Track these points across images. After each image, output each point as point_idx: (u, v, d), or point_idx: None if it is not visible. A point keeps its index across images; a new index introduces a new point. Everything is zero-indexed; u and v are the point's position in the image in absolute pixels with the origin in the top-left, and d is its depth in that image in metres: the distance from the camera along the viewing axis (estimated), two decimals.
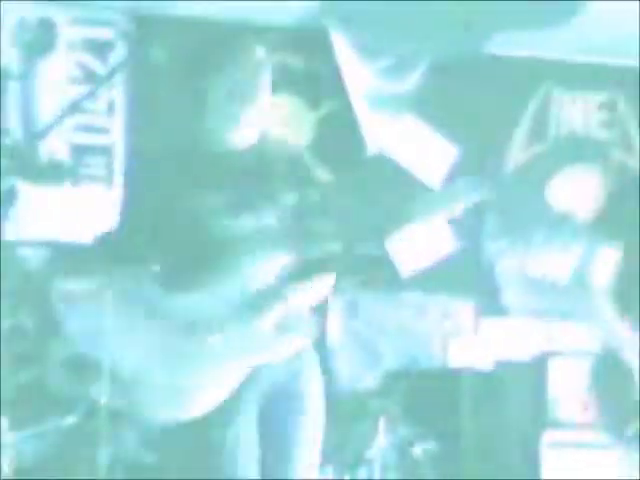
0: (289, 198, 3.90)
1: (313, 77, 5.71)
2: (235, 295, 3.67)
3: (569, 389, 5.54)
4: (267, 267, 3.69)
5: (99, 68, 5.43)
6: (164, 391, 3.64)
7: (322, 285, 3.80)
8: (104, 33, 5.56)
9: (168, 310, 3.69)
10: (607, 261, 4.86)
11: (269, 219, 3.73)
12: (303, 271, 3.72)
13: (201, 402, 3.60)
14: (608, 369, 4.82)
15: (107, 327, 4.09)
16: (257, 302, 3.67)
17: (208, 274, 3.65)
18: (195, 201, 3.72)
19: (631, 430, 4.83)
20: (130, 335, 3.75)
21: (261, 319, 3.64)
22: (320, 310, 4.49)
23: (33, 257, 5.17)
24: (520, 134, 6.18)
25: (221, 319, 3.65)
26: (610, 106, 6.15)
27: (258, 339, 3.66)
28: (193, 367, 3.62)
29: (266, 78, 3.80)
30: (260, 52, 3.89)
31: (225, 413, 3.61)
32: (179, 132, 4.36)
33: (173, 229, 3.72)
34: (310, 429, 3.75)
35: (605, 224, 5.99)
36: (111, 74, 5.42)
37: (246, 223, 3.66)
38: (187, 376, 3.62)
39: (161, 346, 3.70)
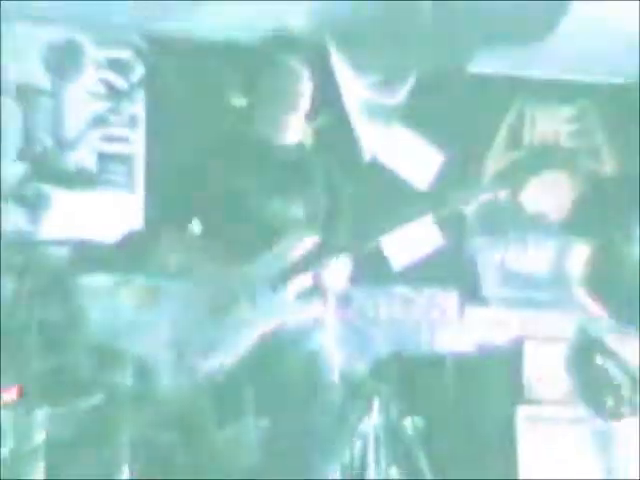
0: (317, 194, 4.17)
1: (312, 90, 6.12)
2: (264, 268, 3.94)
3: (542, 369, 5.55)
4: (293, 247, 3.95)
5: (121, 85, 5.50)
6: (203, 345, 3.87)
7: (341, 267, 4.04)
8: (125, 53, 5.59)
9: (208, 279, 3.94)
10: (579, 256, 4.99)
11: (298, 209, 4.01)
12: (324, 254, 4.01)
13: (231, 355, 3.84)
14: (586, 350, 4.79)
15: (129, 315, 4.35)
16: (283, 274, 3.92)
17: (243, 250, 3.90)
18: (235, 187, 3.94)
19: (609, 405, 4.90)
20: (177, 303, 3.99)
21: (285, 289, 3.90)
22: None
23: (62, 255, 5.19)
24: (498, 143, 6.22)
25: (252, 286, 3.91)
26: (577, 118, 6.27)
27: (281, 304, 3.91)
28: (227, 326, 3.86)
29: (304, 85, 4.05)
30: (296, 63, 4.08)
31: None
32: (204, 137, 4.55)
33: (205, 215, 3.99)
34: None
35: (575, 223, 6.02)
36: (132, 90, 5.45)
37: (277, 210, 3.95)
38: (222, 333, 3.87)
39: (202, 310, 3.92)
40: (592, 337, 4.58)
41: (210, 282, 4.04)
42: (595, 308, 4.63)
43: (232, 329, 3.97)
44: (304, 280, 4.00)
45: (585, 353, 4.61)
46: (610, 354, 4.58)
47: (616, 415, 4.59)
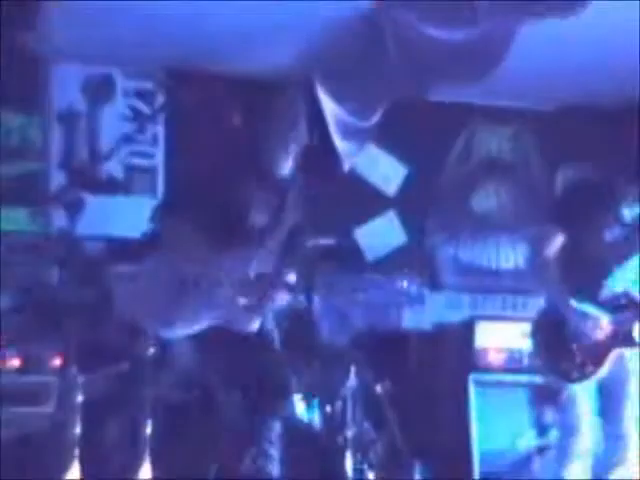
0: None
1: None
2: (228, 269, 3.87)
3: (489, 343, 5.55)
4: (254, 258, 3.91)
5: (145, 110, 5.60)
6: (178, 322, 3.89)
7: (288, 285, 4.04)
8: (149, 84, 5.73)
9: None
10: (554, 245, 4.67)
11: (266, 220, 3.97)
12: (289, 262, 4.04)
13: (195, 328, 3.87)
14: (550, 324, 4.62)
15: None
16: (240, 285, 3.88)
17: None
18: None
19: (564, 368, 4.54)
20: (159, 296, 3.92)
21: (238, 297, 3.87)
22: (308, 288, 4.67)
23: (95, 249, 5.32)
24: (453, 157, 6.37)
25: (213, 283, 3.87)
26: (516, 138, 6.47)
27: (230, 305, 3.87)
28: (194, 315, 3.84)
29: (301, 116, 4.03)
30: (294, 95, 4.10)
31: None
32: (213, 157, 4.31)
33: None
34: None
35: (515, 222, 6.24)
36: (154, 114, 5.63)
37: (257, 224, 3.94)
38: (187, 318, 3.84)
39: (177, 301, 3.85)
40: (557, 313, 4.49)
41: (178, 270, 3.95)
42: (560, 290, 4.56)
43: (194, 308, 3.91)
44: (254, 297, 3.92)
45: (549, 326, 4.55)
46: (569, 327, 4.48)
47: (569, 378, 4.49)
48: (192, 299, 3.86)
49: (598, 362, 4.40)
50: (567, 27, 4.73)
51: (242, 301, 3.91)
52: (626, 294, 4.47)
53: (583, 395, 4.49)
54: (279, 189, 4.02)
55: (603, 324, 4.43)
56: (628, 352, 4.43)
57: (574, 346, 4.42)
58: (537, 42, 5.00)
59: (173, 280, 3.90)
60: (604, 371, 4.40)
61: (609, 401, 4.48)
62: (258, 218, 3.97)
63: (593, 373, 4.41)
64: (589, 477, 4.55)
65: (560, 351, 4.46)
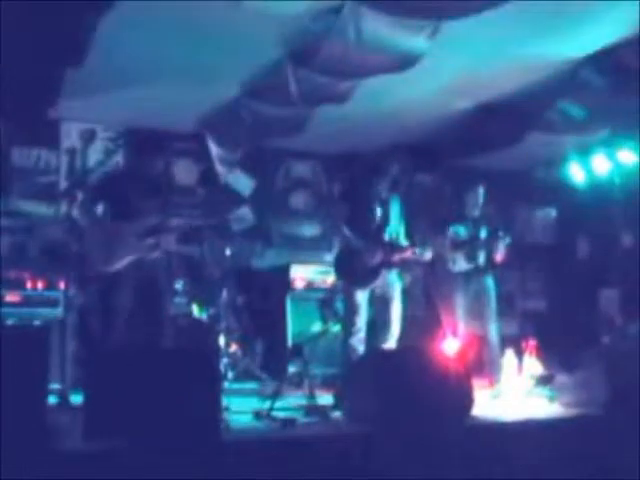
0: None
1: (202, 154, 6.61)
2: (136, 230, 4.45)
3: (297, 276, 6.42)
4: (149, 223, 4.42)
5: (113, 147, 6.26)
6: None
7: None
8: (114, 134, 6.41)
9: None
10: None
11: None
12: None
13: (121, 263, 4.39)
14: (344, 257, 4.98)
15: None
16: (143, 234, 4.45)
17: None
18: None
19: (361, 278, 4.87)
20: None
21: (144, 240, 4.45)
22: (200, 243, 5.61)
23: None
24: (279, 176, 7.19)
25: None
26: (314, 167, 7.31)
27: (140, 247, 4.46)
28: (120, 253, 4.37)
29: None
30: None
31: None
32: None
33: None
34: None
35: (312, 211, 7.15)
36: (116, 150, 6.24)
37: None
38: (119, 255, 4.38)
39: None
40: (349, 250, 5.01)
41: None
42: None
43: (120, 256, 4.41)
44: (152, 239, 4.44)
45: (344, 257, 5.04)
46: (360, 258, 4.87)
47: (358, 286, 4.91)
48: (122, 247, 4.41)
49: (375, 276, 5.04)
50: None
51: (149, 241, 4.46)
52: (390, 242, 5.13)
53: (362, 298, 5.04)
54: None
55: (377, 256, 5.03)
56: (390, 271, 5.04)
57: (358, 267, 4.97)
58: (328, 113, 5.68)
59: (111, 235, 4.48)
60: (378, 282, 4.96)
61: (382, 297, 5.06)
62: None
63: (371, 284, 5.01)
64: (364, 344, 5.01)
65: (350, 270, 5.04)
